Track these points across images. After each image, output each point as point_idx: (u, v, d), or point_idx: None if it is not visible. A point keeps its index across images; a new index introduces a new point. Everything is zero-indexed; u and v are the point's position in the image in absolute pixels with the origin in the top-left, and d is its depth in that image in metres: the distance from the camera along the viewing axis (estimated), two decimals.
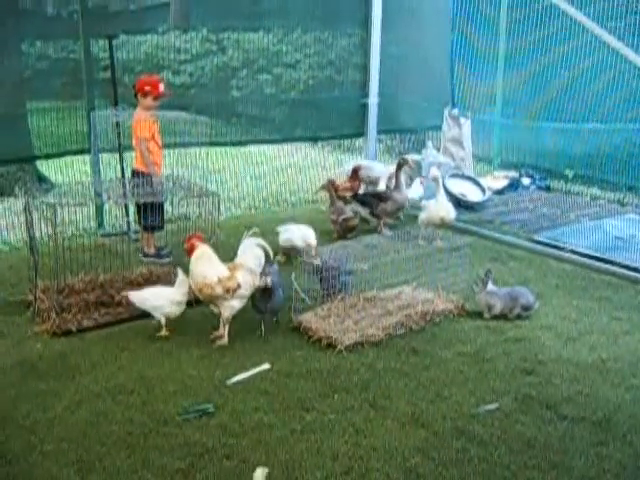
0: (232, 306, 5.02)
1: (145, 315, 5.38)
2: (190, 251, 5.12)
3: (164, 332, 5.19)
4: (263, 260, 5.16)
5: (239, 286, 4.98)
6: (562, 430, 4.03)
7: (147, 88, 6.54)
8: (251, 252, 5.13)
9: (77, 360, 4.82)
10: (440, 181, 7.26)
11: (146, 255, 6.68)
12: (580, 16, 7.98)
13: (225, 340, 5.06)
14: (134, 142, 6.64)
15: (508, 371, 4.72)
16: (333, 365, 4.73)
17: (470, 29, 10.51)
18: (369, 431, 3.94)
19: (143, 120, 6.51)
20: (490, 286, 5.56)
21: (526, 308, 5.54)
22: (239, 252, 5.19)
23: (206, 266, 5.05)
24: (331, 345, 4.94)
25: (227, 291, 4.96)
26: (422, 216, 7.22)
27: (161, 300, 5.22)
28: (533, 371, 4.72)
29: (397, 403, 4.29)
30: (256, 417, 4.12)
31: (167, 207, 6.87)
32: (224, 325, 5.09)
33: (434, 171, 7.32)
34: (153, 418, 4.11)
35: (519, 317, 5.53)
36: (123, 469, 3.65)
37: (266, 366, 4.70)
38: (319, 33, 9.58)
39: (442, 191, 7.25)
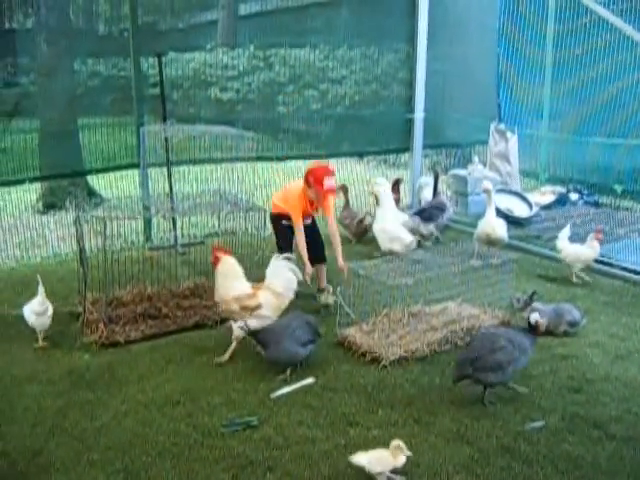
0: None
1: (192, 328, 5.47)
2: (215, 264, 5.18)
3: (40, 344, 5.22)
4: (295, 284, 5.20)
5: (259, 306, 5.01)
6: (610, 450, 3.96)
7: (310, 179, 5.93)
8: (282, 275, 5.18)
9: (124, 371, 4.89)
10: (492, 195, 7.21)
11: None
12: (628, 29, 7.86)
13: (225, 357, 5.05)
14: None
15: (555, 389, 4.65)
16: (377, 380, 4.72)
17: (517, 43, 10.45)
18: (413, 447, 3.90)
19: (298, 201, 6.06)
20: (535, 303, 5.50)
21: (572, 324, 5.48)
22: (268, 273, 5.24)
23: (228, 281, 5.11)
24: (375, 360, 4.93)
25: (244, 309, 4.99)
26: (475, 232, 7.22)
27: (26, 311, 5.26)
28: (581, 389, 4.65)
29: (442, 419, 4.26)
30: (300, 431, 4.13)
31: (214, 221, 6.94)
32: (233, 341, 5.09)
33: (487, 184, 7.30)
34: (198, 430, 4.15)
35: (566, 334, 5.45)
36: (168, 479, 3.69)
37: (310, 380, 4.71)
38: (365, 49, 9.61)
39: (492, 206, 7.19)
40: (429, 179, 8.77)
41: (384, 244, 6.94)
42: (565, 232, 6.67)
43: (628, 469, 3.78)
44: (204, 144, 7.58)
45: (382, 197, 7.19)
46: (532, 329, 4.54)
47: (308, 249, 5.95)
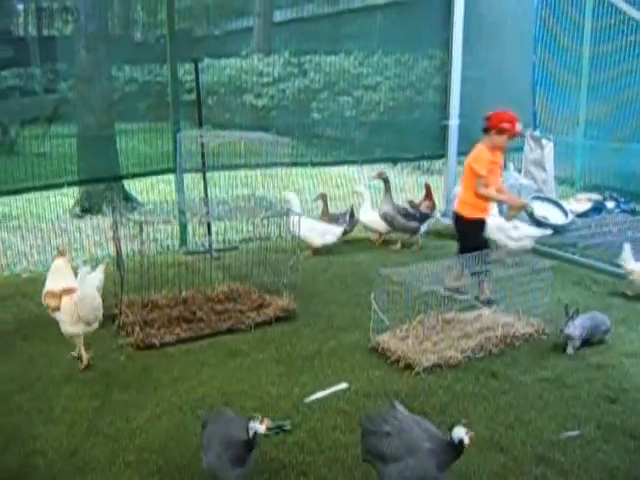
0: (63, 323, 4.99)
1: (226, 332, 5.51)
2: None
3: None
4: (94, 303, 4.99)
5: (58, 308, 4.98)
6: None
7: (506, 125, 6.01)
8: (83, 288, 4.93)
9: (159, 373, 4.94)
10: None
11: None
12: None
13: (82, 362, 5.03)
14: (463, 180, 6.39)
15: (590, 398, 4.60)
16: (411, 387, 4.71)
17: (553, 50, 10.40)
18: None
19: (484, 158, 6.08)
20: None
21: (606, 332, 5.41)
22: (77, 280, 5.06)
23: (55, 275, 5.21)
24: (409, 366, 4.92)
25: (47, 304, 5.09)
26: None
27: None
28: (617, 399, 4.59)
29: (475, 427, 4.21)
30: (333, 436, 4.13)
31: (248, 227, 6.99)
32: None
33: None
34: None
35: (601, 342, 5.40)
36: None
37: (344, 385, 4.72)
38: (399, 55, 9.62)
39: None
40: None
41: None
42: (628, 252, 6.49)
43: None
44: (239, 150, 7.62)
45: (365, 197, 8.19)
46: (455, 447, 3.29)
47: None
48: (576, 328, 5.20)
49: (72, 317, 4.92)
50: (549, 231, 7.47)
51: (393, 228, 8.10)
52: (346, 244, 8.22)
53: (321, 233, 7.49)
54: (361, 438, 3.56)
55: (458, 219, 6.35)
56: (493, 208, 7.20)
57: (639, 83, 9.17)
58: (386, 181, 8.09)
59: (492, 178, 6.07)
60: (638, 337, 5.57)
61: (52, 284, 5.17)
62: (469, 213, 6.21)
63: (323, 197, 8.31)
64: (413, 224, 8.03)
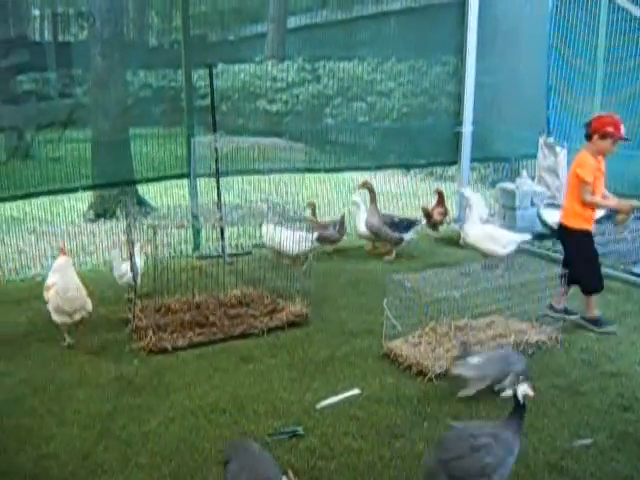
0: (51, 313, 5.41)
1: (239, 337, 5.53)
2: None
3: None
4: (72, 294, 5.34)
5: (48, 300, 5.43)
6: None
7: (609, 129, 5.66)
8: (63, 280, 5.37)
9: (172, 377, 4.96)
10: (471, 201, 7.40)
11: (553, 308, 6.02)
12: None
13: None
14: (568, 190, 6.13)
15: (604, 406, 4.58)
16: (423, 393, 4.70)
17: (567, 56, 10.35)
18: None
19: (589, 164, 5.76)
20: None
21: (518, 376, 4.46)
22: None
23: (54, 273, 5.55)
24: (422, 372, 4.91)
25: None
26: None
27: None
28: (630, 407, 4.56)
29: None
30: (345, 441, 4.14)
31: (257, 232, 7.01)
32: None
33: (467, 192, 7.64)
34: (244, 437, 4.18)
35: (500, 392, 4.66)
36: None
37: (356, 391, 4.72)
38: (413, 61, 9.61)
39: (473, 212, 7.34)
40: (477, 196, 8.71)
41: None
42: None
43: None
44: (253, 155, 7.64)
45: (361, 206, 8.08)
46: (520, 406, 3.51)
47: None
48: (470, 369, 4.62)
49: (55, 308, 5.31)
50: (528, 236, 7.46)
51: (379, 238, 8.04)
52: (358, 250, 8.21)
53: (296, 241, 7.09)
54: (435, 473, 3.35)
55: (564, 231, 6.08)
56: (481, 215, 7.35)
57: None
58: (371, 191, 7.95)
59: (597, 185, 5.80)
60: None
61: (49, 280, 5.54)
62: (575, 224, 5.90)
63: (311, 205, 8.21)
64: (398, 234, 7.88)
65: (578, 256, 5.90)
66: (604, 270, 7.16)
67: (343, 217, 8.18)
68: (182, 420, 4.39)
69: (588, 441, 4.15)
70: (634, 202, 5.59)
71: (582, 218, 5.86)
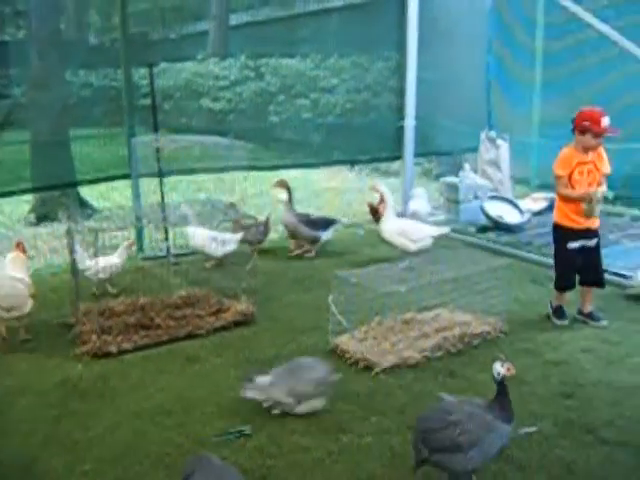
0: None
1: (184, 338, 5.48)
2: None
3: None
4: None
5: None
6: (603, 455, 3.97)
7: (586, 124, 5.54)
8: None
9: (117, 381, 4.89)
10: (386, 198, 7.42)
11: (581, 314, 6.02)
12: (612, 33, 7.94)
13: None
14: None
15: (547, 394, 4.66)
16: (370, 388, 4.72)
17: (506, 51, 10.53)
18: (406, 453, 3.90)
19: (563, 158, 5.73)
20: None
21: (319, 386, 4.39)
22: None
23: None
24: (368, 367, 4.94)
25: None
26: None
27: None
28: (573, 395, 4.66)
29: None
30: (293, 439, 4.13)
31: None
32: None
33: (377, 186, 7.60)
34: (191, 439, 4.14)
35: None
36: None
37: None
38: (355, 58, 9.67)
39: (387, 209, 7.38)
40: (421, 190, 8.79)
41: None
42: None
43: (621, 473, 3.80)
44: (196, 154, 7.59)
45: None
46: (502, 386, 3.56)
47: (583, 271, 5.86)
48: (261, 390, 4.39)
49: None
50: (447, 229, 7.53)
51: (295, 237, 7.97)
52: None
53: (221, 242, 7.07)
54: (416, 444, 3.50)
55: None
56: (390, 211, 7.32)
57: (591, 82, 9.33)
58: (288, 190, 7.84)
59: (581, 179, 5.67)
60: (593, 333, 5.66)
61: None
62: (555, 216, 5.95)
63: (233, 206, 8.11)
64: (315, 233, 7.84)
65: (555, 252, 6.03)
66: (545, 260, 7.33)
67: (268, 218, 8.00)
68: (128, 424, 4.33)
69: (533, 429, 4.22)
70: (590, 189, 5.57)
71: (560, 212, 5.86)
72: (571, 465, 3.87)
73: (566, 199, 5.74)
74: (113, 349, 5.29)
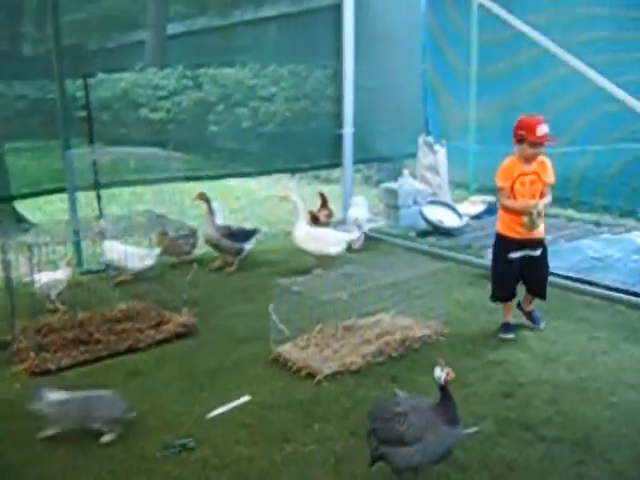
0: None
1: (125, 352, 5.40)
2: None
3: None
4: None
5: None
6: (542, 451, 4.04)
7: (521, 132, 5.39)
8: None
9: None
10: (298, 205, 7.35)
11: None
12: (546, 41, 8.13)
13: None
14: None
15: (488, 394, 4.73)
16: (313, 395, 4.73)
17: (441, 58, 10.70)
18: (350, 459, 3.93)
19: (504, 169, 5.56)
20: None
21: (112, 422, 4.27)
22: None
23: None
24: (311, 375, 4.94)
25: None
26: None
27: None
28: (513, 394, 4.73)
29: None
30: (236, 450, 4.11)
31: (145, 243, 6.89)
32: None
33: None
34: (133, 455, 4.09)
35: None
36: None
37: (246, 398, 4.69)
38: (294, 66, 9.68)
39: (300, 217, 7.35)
40: (361, 199, 8.83)
41: None
42: None
43: (559, 469, 3.87)
44: (135, 166, 7.51)
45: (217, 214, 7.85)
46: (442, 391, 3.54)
47: (527, 281, 5.77)
48: (49, 406, 4.27)
49: None
50: (358, 233, 7.61)
51: (219, 250, 7.82)
52: (249, 256, 8.18)
53: (139, 257, 6.93)
54: (369, 436, 3.57)
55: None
56: (302, 218, 7.31)
57: (524, 88, 9.54)
58: (208, 202, 7.64)
59: (523, 190, 5.50)
60: (532, 333, 5.77)
61: None
62: (498, 227, 5.75)
63: (162, 217, 8.00)
64: (238, 245, 7.71)
65: (493, 258, 5.89)
66: (484, 262, 7.43)
67: (196, 230, 7.95)
68: (68, 442, 4.23)
69: (474, 429, 4.27)
70: (531, 202, 5.43)
71: (503, 222, 5.70)
72: (512, 463, 3.93)
73: (508, 210, 5.61)
74: (52, 366, 5.19)
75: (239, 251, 7.72)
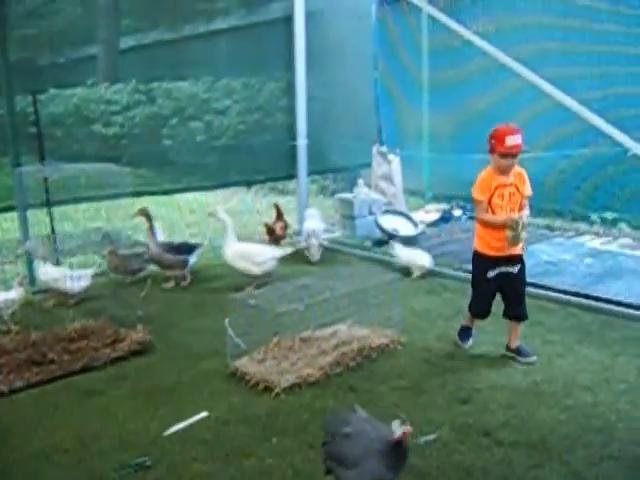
0: None
1: (80, 371, 5.33)
2: None
3: None
4: None
5: None
6: (500, 456, 4.08)
7: (492, 142, 5.06)
8: None
9: (9, 422, 4.69)
10: (226, 222, 7.33)
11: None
12: (494, 50, 8.25)
13: None
14: None
15: (445, 401, 4.76)
16: (271, 408, 4.70)
17: (397, 66, 10.80)
18: (308, 472, 3.92)
19: (480, 181, 5.22)
20: None
21: None
22: None
23: None
24: (268, 388, 4.92)
25: None
26: None
27: None
28: (470, 399, 4.77)
29: None
30: (194, 467, 4.06)
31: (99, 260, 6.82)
32: None
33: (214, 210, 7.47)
34: (89, 476, 4.02)
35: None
36: None
37: (203, 414, 4.65)
38: (246, 79, 9.69)
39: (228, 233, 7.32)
40: (313, 210, 8.81)
41: None
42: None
43: (517, 473, 3.90)
44: (85, 182, 7.43)
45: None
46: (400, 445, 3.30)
47: (504, 300, 5.46)
48: None
49: None
50: (290, 249, 7.58)
51: (163, 267, 7.63)
52: (203, 271, 8.14)
53: (73, 278, 6.79)
54: (322, 445, 3.52)
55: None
56: (230, 235, 7.26)
57: (474, 95, 9.67)
58: (149, 218, 7.45)
59: (501, 203, 5.18)
60: (487, 339, 5.80)
61: None
62: (476, 244, 5.45)
63: (108, 236, 7.78)
64: (182, 257, 7.57)
65: (472, 280, 5.57)
66: (440, 270, 7.51)
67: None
68: (21, 466, 4.15)
69: (432, 437, 4.29)
70: (514, 215, 5.08)
71: (480, 239, 5.40)
72: (470, 469, 3.96)
73: (486, 225, 5.25)
74: (4, 388, 5.08)
75: (184, 263, 7.58)
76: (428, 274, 7.54)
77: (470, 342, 5.69)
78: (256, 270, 7.10)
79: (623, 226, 8.88)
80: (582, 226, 9.16)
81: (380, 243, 8.73)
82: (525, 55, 8.46)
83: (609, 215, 8.93)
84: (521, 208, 5.22)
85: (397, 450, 3.27)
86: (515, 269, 5.33)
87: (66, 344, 5.72)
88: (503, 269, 5.32)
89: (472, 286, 5.57)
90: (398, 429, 3.25)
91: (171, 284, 7.60)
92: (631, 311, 6.20)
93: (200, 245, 7.91)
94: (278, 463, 4.05)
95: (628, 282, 6.92)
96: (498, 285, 5.38)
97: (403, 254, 7.60)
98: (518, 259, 5.35)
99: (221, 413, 4.67)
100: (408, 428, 3.25)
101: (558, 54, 8.66)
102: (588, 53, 8.44)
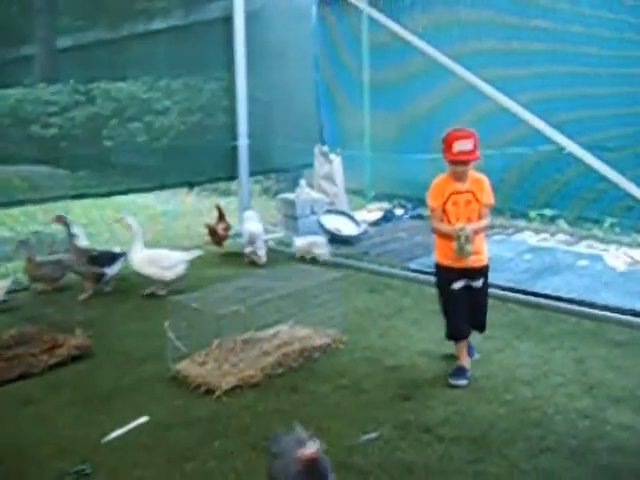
0: None
1: (17, 379, 5.22)
2: None
3: None
4: None
5: None
6: (440, 451, 4.12)
7: (443, 147, 4.78)
8: None
9: None
10: (134, 229, 7.13)
11: None
12: (432, 50, 8.33)
13: None
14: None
15: (387, 399, 4.79)
16: (212, 411, 4.68)
17: (339, 66, 10.85)
18: (251, 474, 3.91)
19: (434, 187, 4.93)
20: None
21: None
22: None
23: None
24: (210, 391, 4.88)
25: None
26: None
27: None
28: (411, 397, 4.81)
29: None
30: (135, 473, 4.01)
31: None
32: None
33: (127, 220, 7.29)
34: None
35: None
36: None
37: (144, 419, 4.60)
38: (187, 79, 9.61)
39: (136, 240, 7.14)
40: (252, 212, 8.74)
41: None
42: None
43: (457, 468, 3.95)
44: (17, 185, 7.28)
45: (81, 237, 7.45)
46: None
47: (468, 313, 5.06)
48: None
49: None
50: (198, 252, 7.44)
51: (79, 275, 7.25)
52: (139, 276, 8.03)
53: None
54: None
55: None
56: (137, 241, 7.08)
57: (414, 95, 9.77)
58: (67, 225, 7.17)
59: (456, 210, 4.87)
60: (428, 336, 5.86)
61: None
62: (436, 255, 5.12)
63: (25, 243, 7.44)
64: (98, 269, 7.17)
65: (438, 292, 5.21)
66: (382, 269, 7.57)
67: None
68: None
69: (374, 435, 4.32)
70: (457, 225, 4.78)
71: (439, 250, 5.08)
72: (411, 465, 3.99)
73: (441, 234, 4.96)
74: None
75: (99, 276, 7.20)
76: (371, 273, 7.60)
77: (464, 381, 5.00)
78: (168, 275, 6.99)
79: (561, 222, 9.08)
80: (521, 223, 9.33)
81: None
82: (464, 55, 8.57)
83: (547, 212, 9.11)
84: (480, 217, 4.86)
85: (312, 469, 3.03)
86: (479, 283, 5.03)
87: (2, 351, 5.57)
88: (466, 282, 4.99)
89: (441, 305, 5.15)
90: (306, 450, 2.98)
91: (85, 296, 7.15)
92: (568, 305, 6.35)
93: (124, 254, 7.40)
94: (220, 466, 4.03)
95: (566, 277, 7.07)
96: (466, 298, 5.03)
97: (301, 245, 7.92)
98: (481, 272, 5.03)
99: (162, 417, 4.62)
100: (313, 448, 2.97)
101: (498, 54, 8.81)
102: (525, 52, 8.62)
